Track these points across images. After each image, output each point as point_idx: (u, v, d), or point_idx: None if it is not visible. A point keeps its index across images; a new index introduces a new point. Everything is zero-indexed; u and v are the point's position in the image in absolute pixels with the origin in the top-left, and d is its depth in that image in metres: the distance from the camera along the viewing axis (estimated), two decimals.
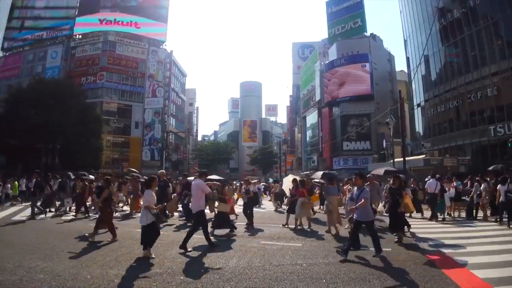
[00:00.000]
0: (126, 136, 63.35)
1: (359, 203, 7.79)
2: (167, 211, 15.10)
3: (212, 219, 12.18)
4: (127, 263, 7.37)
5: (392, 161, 31.32)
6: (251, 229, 12.34)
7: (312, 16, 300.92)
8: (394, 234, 9.83)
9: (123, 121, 63.83)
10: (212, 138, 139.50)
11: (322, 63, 61.16)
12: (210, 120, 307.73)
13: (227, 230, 11.36)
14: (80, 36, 68.95)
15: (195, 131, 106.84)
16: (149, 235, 8.01)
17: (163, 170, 19.41)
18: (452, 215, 15.24)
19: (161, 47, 70.22)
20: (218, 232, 11.37)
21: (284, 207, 18.00)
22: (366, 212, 7.91)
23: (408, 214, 13.45)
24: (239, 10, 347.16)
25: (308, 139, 72.30)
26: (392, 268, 7.04)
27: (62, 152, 45.09)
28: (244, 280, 6.25)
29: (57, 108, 41.56)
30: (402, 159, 27.63)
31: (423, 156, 35.75)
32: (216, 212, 12.10)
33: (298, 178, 14.46)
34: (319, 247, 9.23)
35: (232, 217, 14.13)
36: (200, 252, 8.55)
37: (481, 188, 14.39)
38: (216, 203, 12.60)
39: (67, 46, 67.65)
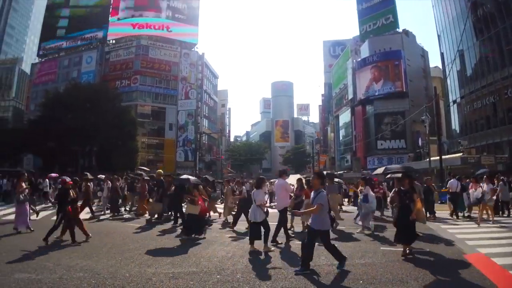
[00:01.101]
0: (161, 137, 65.80)
1: (309, 209, 7.23)
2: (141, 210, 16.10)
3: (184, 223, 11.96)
4: (164, 262, 7.66)
5: (428, 160, 31.51)
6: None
7: (342, 13, 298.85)
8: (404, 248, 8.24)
9: (157, 123, 66.42)
10: (244, 138, 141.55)
11: (354, 60, 61.21)
12: (242, 121, 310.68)
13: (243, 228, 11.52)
14: (114, 41, 72.23)
15: (227, 132, 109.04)
16: (258, 230, 8.96)
17: (160, 170, 19.07)
18: (481, 215, 13.68)
19: (192, 49, 72.42)
20: (238, 228, 12.07)
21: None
22: (321, 220, 6.92)
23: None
24: (269, 10, 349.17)
25: (341, 138, 72.51)
26: (429, 268, 6.99)
27: (99, 154, 47.36)
28: (280, 279, 6.38)
29: (93, 111, 43.77)
30: (438, 157, 27.49)
31: (460, 154, 35.35)
32: (186, 215, 11.62)
33: (303, 177, 14.18)
34: (355, 247, 9.27)
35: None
36: (238, 252, 8.77)
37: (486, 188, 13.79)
38: (189, 206, 11.83)
39: (101, 51, 70.88)
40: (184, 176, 14.54)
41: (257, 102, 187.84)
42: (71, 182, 10.53)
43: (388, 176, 15.37)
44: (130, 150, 48.70)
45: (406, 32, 59.56)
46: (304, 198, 11.71)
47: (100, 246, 9.39)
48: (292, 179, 15.51)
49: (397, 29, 59.57)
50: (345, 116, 68.74)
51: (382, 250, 8.83)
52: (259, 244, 8.96)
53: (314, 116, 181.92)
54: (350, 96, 62.75)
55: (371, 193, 12.55)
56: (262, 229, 9.08)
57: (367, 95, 56.55)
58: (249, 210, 9.50)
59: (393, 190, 10.85)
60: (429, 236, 10.71)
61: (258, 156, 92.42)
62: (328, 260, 7.58)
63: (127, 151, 47.39)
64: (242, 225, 12.45)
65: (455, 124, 46.56)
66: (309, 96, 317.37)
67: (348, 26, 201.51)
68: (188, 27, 72.49)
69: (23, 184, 11.97)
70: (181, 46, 70.55)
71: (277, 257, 8.22)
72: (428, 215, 14.44)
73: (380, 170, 15.95)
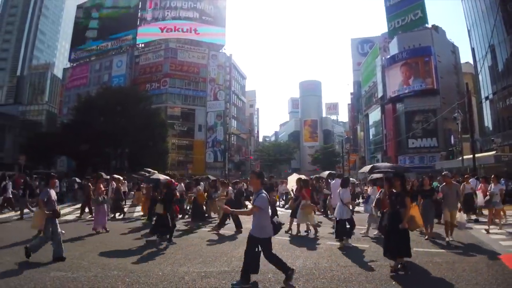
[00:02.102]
0: (190, 139, 68.13)
1: (242, 210, 6.97)
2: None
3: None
4: (196, 261, 7.91)
5: (461, 158, 31.48)
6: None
7: (370, 10, 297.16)
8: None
9: (186, 125, 68.72)
10: (273, 138, 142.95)
11: (383, 58, 61.21)
12: (271, 121, 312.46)
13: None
14: (143, 45, 75.42)
15: (256, 132, 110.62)
16: (345, 227, 9.77)
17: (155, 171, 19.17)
18: (490, 221, 12.17)
19: (220, 51, 74.63)
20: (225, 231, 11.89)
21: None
22: (259, 226, 6.17)
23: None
24: (296, 10, 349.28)
25: (371, 137, 72.51)
26: (466, 269, 7.08)
27: (130, 156, 49.26)
28: (311, 280, 6.48)
29: (124, 114, 46.12)
30: (471, 156, 27.14)
31: (493, 152, 34.48)
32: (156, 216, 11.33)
33: (303, 177, 13.75)
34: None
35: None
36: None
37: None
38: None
39: (131, 54, 74.07)
40: (154, 176, 14.67)
41: (285, 102, 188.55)
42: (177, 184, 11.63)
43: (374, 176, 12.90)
44: (161, 151, 50.70)
45: (435, 27, 59.19)
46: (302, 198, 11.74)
47: (131, 244, 9.86)
48: (293, 178, 15.14)
49: (426, 25, 59.32)
50: (375, 115, 68.78)
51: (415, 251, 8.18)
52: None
53: (343, 115, 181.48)
54: (380, 94, 62.78)
55: (375, 194, 11.64)
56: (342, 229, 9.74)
57: (397, 93, 56.50)
58: (335, 209, 10.22)
59: (380, 192, 10.64)
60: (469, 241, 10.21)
61: (287, 156, 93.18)
62: (360, 261, 7.82)
63: (158, 152, 49.31)
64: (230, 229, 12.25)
65: (488, 121, 45.57)
66: (338, 95, 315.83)
67: (376, 23, 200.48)
68: (215, 28, 74.71)
69: (101, 186, 12.76)
70: (209, 48, 72.74)
71: (316, 256, 8.45)
72: (469, 216, 13.85)
73: (366, 169, 13.21)
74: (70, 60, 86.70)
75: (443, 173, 11.52)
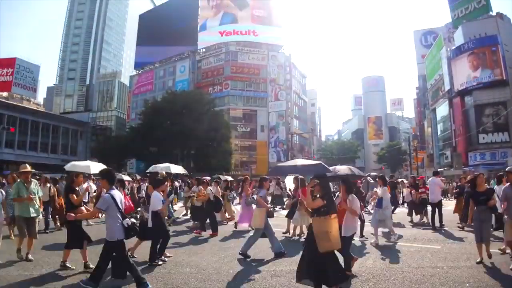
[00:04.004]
0: (253, 139, 71.34)
1: (84, 214, 7.08)
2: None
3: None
4: (265, 260, 8.22)
5: None
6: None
7: (432, 0, 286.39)
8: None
9: (249, 126, 72.07)
10: (336, 137, 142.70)
11: (448, 49, 60.06)
12: (333, 120, 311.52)
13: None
14: (204, 50, 79.67)
15: (318, 131, 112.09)
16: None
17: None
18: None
19: (279, 51, 77.13)
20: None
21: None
22: (107, 229, 6.05)
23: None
24: (354, 5, 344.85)
25: (439, 133, 71.00)
26: None
27: (196, 157, 52.78)
28: (382, 281, 6.52)
29: (189, 117, 49.43)
30: None
31: None
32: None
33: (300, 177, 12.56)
34: (460, 249, 9.23)
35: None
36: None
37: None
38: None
39: (193, 60, 78.84)
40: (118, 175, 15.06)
41: (348, 99, 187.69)
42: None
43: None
44: (225, 152, 53.60)
45: (500, 15, 57.09)
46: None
47: (200, 242, 10.56)
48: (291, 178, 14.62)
49: (490, 13, 57.48)
50: (442, 109, 67.54)
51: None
52: None
53: (409, 111, 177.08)
54: (447, 87, 61.56)
55: (387, 195, 10.94)
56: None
57: (465, 85, 55.22)
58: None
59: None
60: None
61: (351, 155, 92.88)
62: (432, 262, 7.82)
63: (223, 153, 52.38)
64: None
65: None
66: (403, 90, 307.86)
67: (438, 14, 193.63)
68: (273, 29, 77.13)
69: (248, 188, 13.20)
70: (268, 49, 75.32)
71: (387, 257, 8.45)
72: None
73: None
74: (135, 68, 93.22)
75: (507, 169, 8.07)
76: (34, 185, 8.76)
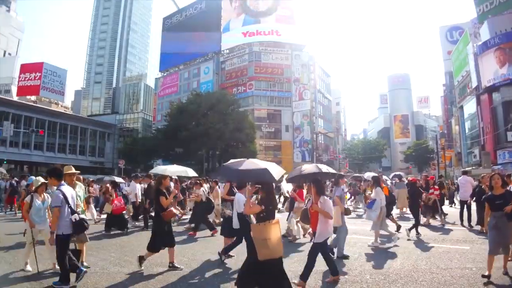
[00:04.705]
0: (277, 139, 71.90)
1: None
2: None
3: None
4: (291, 260, 8.15)
5: None
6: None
7: None
8: None
9: (273, 126, 72.65)
10: (361, 136, 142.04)
11: (475, 44, 59.34)
12: (359, 119, 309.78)
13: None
14: (227, 51, 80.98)
15: (343, 130, 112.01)
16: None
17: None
18: None
19: (302, 50, 77.55)
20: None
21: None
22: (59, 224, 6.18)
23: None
24: (377, 2, 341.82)
25: (467, 131, 70.17)
26: None
27: (221, 157, 53.47)
28: (410, 282, 6.55)
29: (214, 118, 50.52)
30: None
31: None
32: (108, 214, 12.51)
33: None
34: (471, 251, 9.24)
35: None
36: (365, 252, 9.25)
37: None
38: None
39: (217, 61, 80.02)
40: (100, 176, 14.99)
41: (373, 98, 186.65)
42: None
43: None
44: (250, 152, 53.75)
45: None
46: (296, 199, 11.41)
47: (218, 239, 10.57)
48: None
49: None
50: (470, 107, 66.74)
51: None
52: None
53: (435, 109, 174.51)
54: (474, 84, 60.87)
55: (381, 197, 10.32)
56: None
57: (492, 82, 54.48)
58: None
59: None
60: None
61: (377, 154, 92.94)
62: (461, 264, 7.86)
63: (247, 154, 52.54)
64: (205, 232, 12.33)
65: None
66: (429, 88, 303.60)
67: (464, 8, 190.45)
68: (296, 28, 77.60)
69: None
70: (291, 48, 75.80)
71: (415, 258, 8.48)
72: None
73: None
74: (160, 70, 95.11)
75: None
76: (79, 188, 8.94)
